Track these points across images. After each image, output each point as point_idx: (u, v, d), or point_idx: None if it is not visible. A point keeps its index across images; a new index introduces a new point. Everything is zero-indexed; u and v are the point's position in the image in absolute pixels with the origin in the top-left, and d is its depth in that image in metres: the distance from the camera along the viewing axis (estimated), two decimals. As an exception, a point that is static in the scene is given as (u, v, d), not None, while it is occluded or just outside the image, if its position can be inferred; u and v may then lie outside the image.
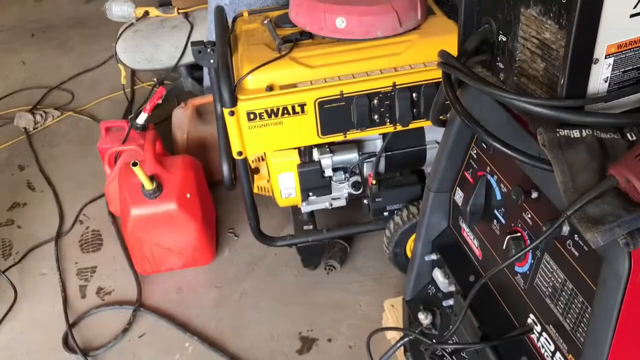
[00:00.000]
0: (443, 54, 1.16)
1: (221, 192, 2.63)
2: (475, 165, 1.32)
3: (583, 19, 0.90)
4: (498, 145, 1.03)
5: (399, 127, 1.87)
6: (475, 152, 1.32)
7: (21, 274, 2.38)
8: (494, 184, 1.24)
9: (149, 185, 2.07)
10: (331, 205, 2.03)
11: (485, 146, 1.28)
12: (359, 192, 2.00)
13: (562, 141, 0.97)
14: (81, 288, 2.30)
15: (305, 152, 1.93)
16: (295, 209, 2.17)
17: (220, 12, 1.96)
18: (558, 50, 0.98)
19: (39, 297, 2.28)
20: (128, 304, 2.20)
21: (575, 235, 1.02)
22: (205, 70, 2.92)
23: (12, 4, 4.79)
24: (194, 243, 2.23)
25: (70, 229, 2.57)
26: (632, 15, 0.93)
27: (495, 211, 1.25)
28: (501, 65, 1.14)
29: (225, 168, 1.94)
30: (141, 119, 2.48)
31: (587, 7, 0.89)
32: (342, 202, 2.05)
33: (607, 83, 0.98)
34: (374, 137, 1.98)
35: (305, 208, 2.04)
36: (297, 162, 1.92)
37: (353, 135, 1.87)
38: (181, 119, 2.61)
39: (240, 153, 1.82)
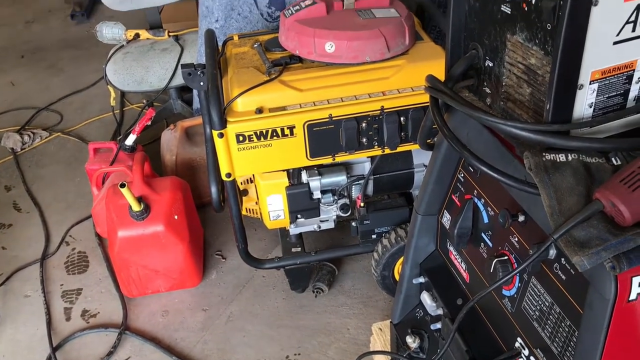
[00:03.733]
0: (430, 78, 1.17)
1: (209, 214, 2.62)
2: (462, 189, 1.32)
3: (568, 45, 0.91)
4: (485, 169, 1.04)
5: (387, 150, 1.88)
6: (462, 175, 1.33)
7: (5, 296, 2.34)
8: (481, 207, 1.25)
9: (136, 207, 2.06)
10: (319, 227, 2.03)
11: (472, 169, 1.29)
12: (348, 214, 2.00)
13: (548, 165, 0.98)
14: (66, 310, 2.27)
15: (294, 174, 1.93)
16: (283, 231, 2.17)
17: (210, 35, 1.98)
18: (544, 76, 1.00)
19: (22, 319, 2.25)
20: (113, 327, 2.17)
21: (562, 259, 1.02)
22: (195, 92, 2.93)
23: (3, 26, 4.80)
24: (181, 265, 2.21)
25: (56, 251, 2.54)
26: (615, 43, 0.94)
27: (483, 234, 1.25)
28: (488, 90, 1.16)
29: (213, 190, 1.93)
30: (130, 140, 2.48)
31: (572, 34, 0.91)
32: (330, 225, 2.05)
33: (592, 108, 1.00)
34: (362, 160, 1.99)
35: (293, 230, 2.04)
36: (286, 184, 1.92)
37: (342, 157, 1.87)
38: (170, 140, 2.61)
39: (229, 175, 1.82)
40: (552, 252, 1.03)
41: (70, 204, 2.80)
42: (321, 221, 2.03)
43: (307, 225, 2.03)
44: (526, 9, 0.99)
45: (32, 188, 2.93)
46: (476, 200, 1.27)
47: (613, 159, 1.00)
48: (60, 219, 2.71)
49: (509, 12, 1.04)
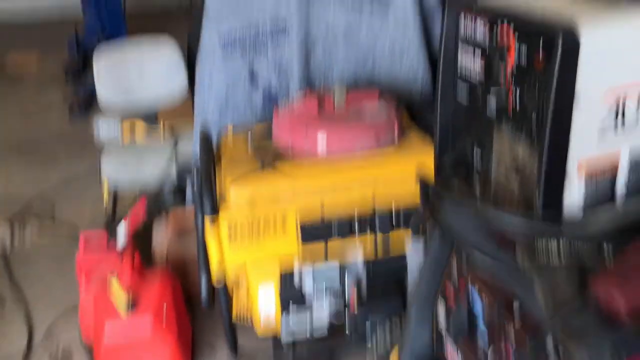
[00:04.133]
0: (420, 170, 1.20)
1: (199, 308, 2.56)
2: (456, 276, 1.31)
3: (554, 139, 0.94)
4: (478, 257, 1.04)
5: (380, 236, 1.88)
6: (455, 263, 1.32)
7: (-19, 396, 2.24)
8: (476, 296, 1.24)
9: (124, 299, 2.02)
10: (312, 335, 1.97)
11: (465, 257, 1.29)
12: (341, 320, 1.94)
13: (541, 254, 0.98)
14: (45, 411, 2.16)
15: (286, 273, 1.90)
16: (275, 341, 2.09)
17: (205, 129, 2.03)
18: (532, 169, 1.02)
19: (-2, 421, 2.13)
20: None
21: (560, 350, 1.00)
22: (189, 184, 2.96)
23: (0, 121, 4.90)
24: (168, 361, 2.14)
25: (39, 347, 2.45)
26: (599, 136, 0.98)
27: (479, 323, 1.23)
28: (478, 181, 1.18)
29: (203, 282, 1.90)
30: (121, 231, 2.46)
31: (557, 128, 0.94)
32: (323, 330, 1.99)
33: (581, 199, 1.01)
34: (354, 248, 1.97)
35: (285, 337, 1.97)
36: (278, 273, 1.89)
37: (334, 244, 1.87)
38: (162, 232, 2.60)
39: (219, 265, 1.80)
40: (550, 342, 1.01)
41: (56, 298, 2.74)
42: (313, 325, 1.97)
43: (298, 332, 1.97)
44: (512, 104, 1.03)
45: (18, 280, 2.87)
46: (470, 287, 1.25)
47: (605, 249, 1.01)
48: (45, 314, 2.63)
49: (495, 108, 1.08)
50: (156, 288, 2.13)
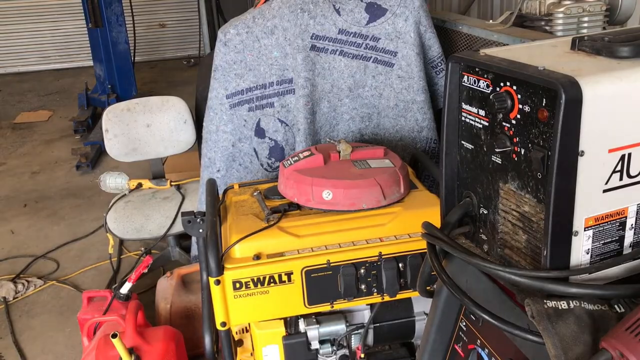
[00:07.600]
0: (427, 225, 1.19)
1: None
2: (465, 338, 1.28)
3: (559, 193, 0.94)
4: (487, 317, 1.02)
5: (387, 298, 1.85)
6: (464, 324, 1.29)
7: None
8: (486, 358, 1.20)
9: (127, 359, 1.98)
10: None
11: (474, 318, 1.26)
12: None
13: (551, 312, 0.96)
14: None
15: (291, 323, 1.88)
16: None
17: (211, 184, 2.03)
18: (538, 223, 1.01)
19: None
20: None
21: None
22: (194, 239, 2.95)
23: (9, 176, 4.94)
24: (170, 423, 2.08)
25: (38, 408, 2.40)
26: (605, 191, 0.97)
27: (489, 387, 1.19)
28: (484, 237, 1.17)
29: (207, 340, 1.87)
30: (125, 288, 2.44)
31: (562, 183, 0.93)
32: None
33: (589, 254, 1.00)
34: (361, 308, 1.94)
35: None
36: (283, 334, 1.86)
37: (340, 305, 1.84)
38: (166, 288, 2.58)
39: (224, 324, 1.77)
40: (564, 407, 0.97)
41: (58, 356, 2.69)
42: None
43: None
44: (516, 159, 1.03)
45: (20, 339, 2.84)
46: (480, 350, 1.22)
47: (616, 306, 0.99)
48: (46, 372, 2.59)
49: (500, 162, 1.07)
50: (159, 347, 2.09)
